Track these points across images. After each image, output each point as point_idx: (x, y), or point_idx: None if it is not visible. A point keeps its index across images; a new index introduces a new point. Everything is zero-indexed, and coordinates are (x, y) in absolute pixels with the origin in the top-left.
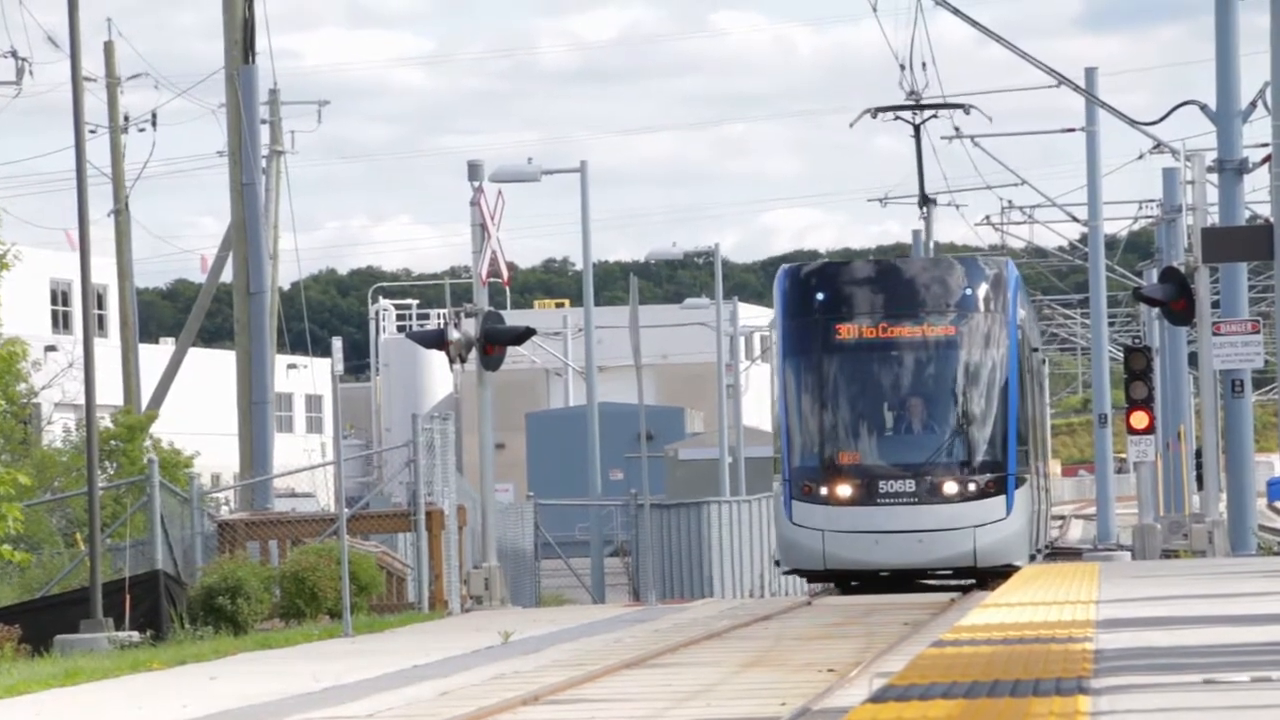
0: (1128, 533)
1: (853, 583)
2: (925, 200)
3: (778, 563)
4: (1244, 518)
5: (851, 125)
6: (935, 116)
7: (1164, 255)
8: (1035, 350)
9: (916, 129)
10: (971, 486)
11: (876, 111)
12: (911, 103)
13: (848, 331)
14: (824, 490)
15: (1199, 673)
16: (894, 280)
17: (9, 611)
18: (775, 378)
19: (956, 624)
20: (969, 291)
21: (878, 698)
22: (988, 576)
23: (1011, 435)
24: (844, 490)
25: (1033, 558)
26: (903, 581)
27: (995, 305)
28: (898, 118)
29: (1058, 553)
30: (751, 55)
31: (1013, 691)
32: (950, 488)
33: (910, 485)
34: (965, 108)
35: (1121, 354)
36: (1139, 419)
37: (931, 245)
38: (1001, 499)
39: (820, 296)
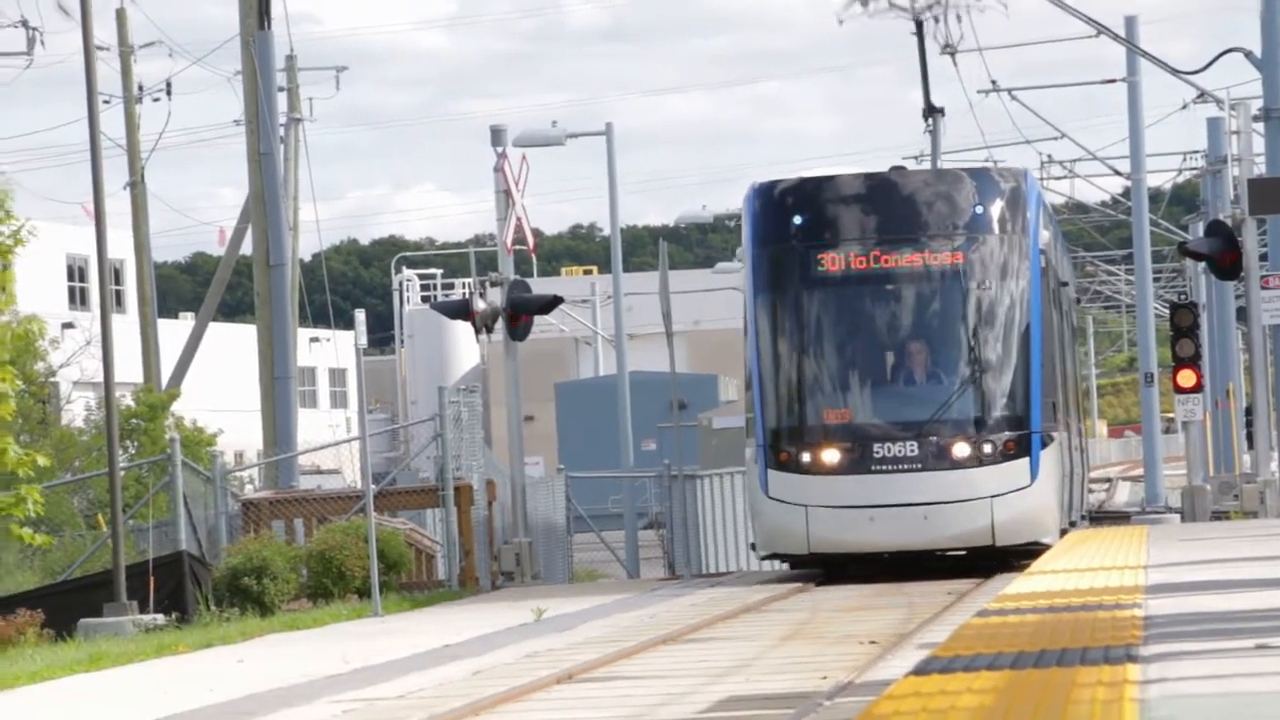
0: (1176, 495)
1: (847, 568)
2: (931, 110)
3: (754, 546)
4: None
5: (841, 22)
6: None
7: (1210, 208)
8: (1064, 284)
9: (919, 25)
10: (987, 448)
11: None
12: None
13: (832, 261)
14: (806, 457)
15: (1251, 637)
16: (888, 197)
17: (31, 596)
18: (746, 320)
19: (1001, 593)
20: (980, 209)
21: (921, 670)
22: (1010, 556)
23: (1035, 384)
24: (830, 456)
25: (1063, 532)
26: (906, 566)
27: (1013, 225)
28: (892, 5)
29: (1104, 516)
30: (784, 11)
31: (1059, 661)
32: (961, 450)
33: (912, 448)
34: None
35: (1167, 311)
36: (1186, 377)
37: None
38: (1024, 462)
39: (799, 219)
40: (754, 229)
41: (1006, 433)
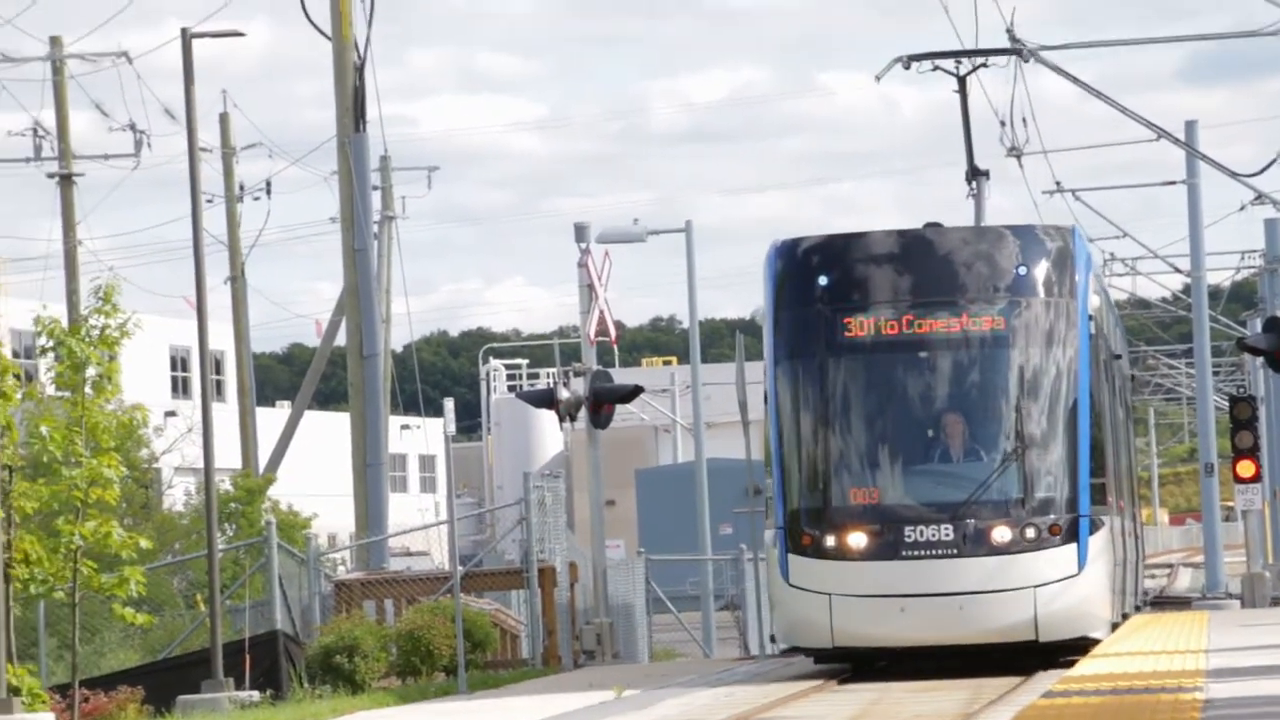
0: (1236, 581)
1: (879, 662)
2: (975, 172)
3: (773, 639)
4: None
5: (879, 79)
6: (985, 65)
7: (1268, 304)
8: (1118, 357)
9: (961, 81)
10: (1030, 532)
11: (910, 60)
12: (952, 49)
13: (861, 325)
14: (830, 540)
15: None
16: (923, 256)
17: (132, 673)
18: (765, 390)
19: (1066, 675)
20: (1023, 270)
21: None
22: (1056, 653)
23: (1083, 463)
24: (857, 540)
25: (1114, 626)
26: (943, 663)
27: (1059, 288)
28: (936, 67)
29: (1165, 601)
30: (857, 115)
31: None
32: (1001, 534)
33: (947, 532)
34: (1019, 52)
35: (1227, 403)
36: (1245, 467)
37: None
38: (1071, 549)
39: (824, 279)
40: (775, 291)
41: (1051, 516)
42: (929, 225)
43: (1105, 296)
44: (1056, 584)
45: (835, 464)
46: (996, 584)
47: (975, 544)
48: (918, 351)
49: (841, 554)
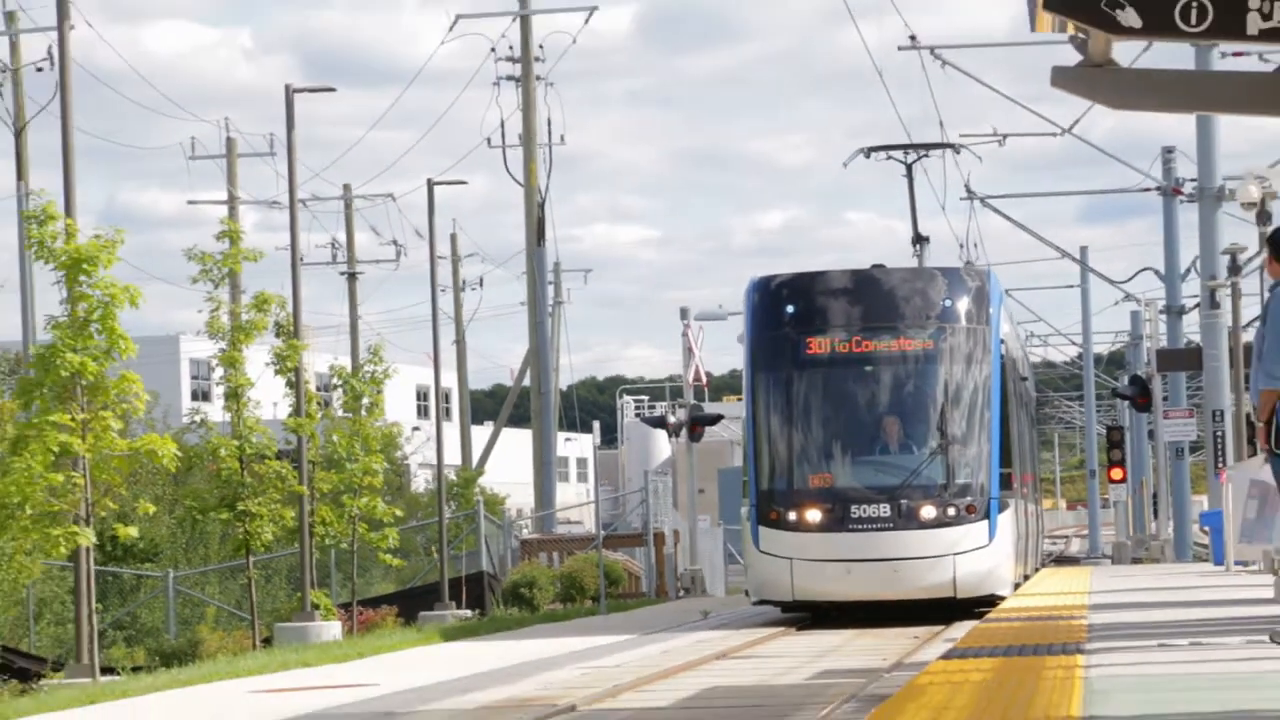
0: (1109, 546)
1: (833, 613)
2: (919, 239)
3: (747, 593)
4: (1184, 537)
5: (845, 165)
6: (926, 155)
7: (1132, 366)
8: (1024, 379)
9: (909, 168)
10: (950, 511)
11: (870, 151)
12: (903, 143)
13: (819, 345)
14: (792, 516)
15: (1155, 639)
16: (869, 291)
17: (390, 597)
18: (744, 396)
19: (999, 607)
20: (949, 303)
21: (947, 655)
22: (970, 606)
23: (994, 456)
24: (813, 515)
25: (1016, 586)
26: (880, 613)
27: (978, 318)
28: (889, 157)
29: (1063, 560)
30: (869, 239)
31: (1034, 652)
32: (928, 512)
33: (885, 510)
34: (955, 147)
35: (1105, 431)
36: (1116, 473)
37: None
38: (983, 524)
39: (791, 308)
40: (752, 317)
41: (968, 498)
42: (875, 266)
43: (1014, 328)
44: (971, 553)
45: (797, 455)
46: (924, 551)
47: (907, 519)
48: (864, 366)
49: (801, 526)
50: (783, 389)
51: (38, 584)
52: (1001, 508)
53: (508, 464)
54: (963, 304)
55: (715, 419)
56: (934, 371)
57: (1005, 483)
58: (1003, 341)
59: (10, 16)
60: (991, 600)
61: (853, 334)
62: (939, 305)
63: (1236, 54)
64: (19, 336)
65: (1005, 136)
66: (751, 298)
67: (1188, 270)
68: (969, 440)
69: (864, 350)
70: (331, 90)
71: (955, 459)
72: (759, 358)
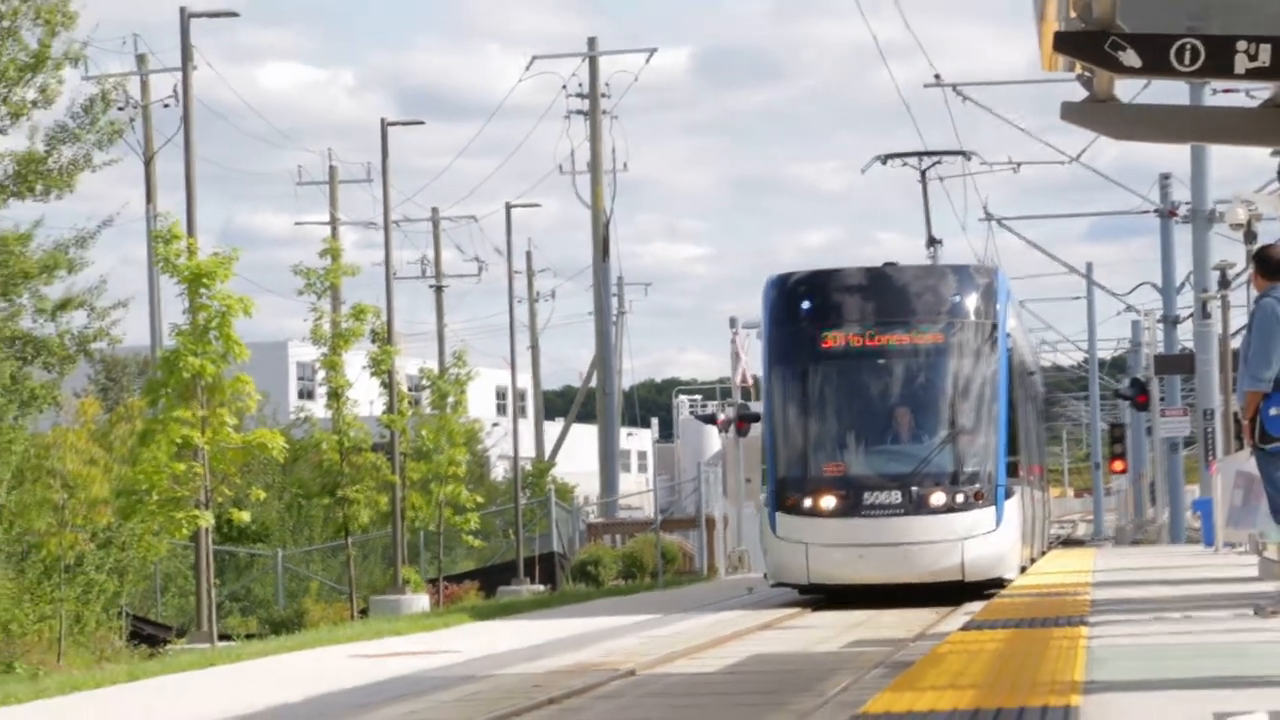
0: (1112, 530)
1: (847, 595)
2: (932, 241)
3: (765, 576)
4: (1179, 522)
5: (863, 171)
6: (939, 162)
7: (1132, 370)
8: (1032, 373)
9: (923, 174)
10: (959, 498)
11: (886, 158)
12: (917, 150)
13: (834, 339)
14: (808, 502)
15: (1151, 612)
16: (882, 287)
17: (472, 574)
18: (762, 388)
19: (1011, 584)
20: (958, 299)
21: (965, 627)
22: (979, 588)
23: (1001, 446)
24: (828, 502)
25: (1023, 569)
26: (892, 596)
27: (986, 313)
28: (905, 164)
29: (1070, 542)
30: (897, 257)
31: (1043, 624)
32: (937, 499)
33: (896, 497)
34: (966, 154)
35: (1108, 427)
36: (1118, 465)
37: None
38: (990, 511)
39: (807, 304)
40: (770, 312)
41: (976, 485)
42: (887, 264)
43: (1021, 321)
44: (979, 537)
45: (813, 444)
46: (933, 536)
47: (918, 506)
48: (877, 360)
49: (816, 512)
50: (799, 381)
51: (164, 561)
52: (1008, 495)
53: (576, 456)
54: (971, 300)
55: (759, 416)
56: (943, 364)
57: (1012, 471)
58: (1010, 336)
59: (141, 59)
60: (998, 583)
61: (866, 328)
62: (949, 301)
63: (1226, 90)
64: (148, 342)
65: (1020, 164)
66: (769, 294)
67: (1182, 284)
68: (977, 430)
69: (876, 344)
70: (421, 123)
71: (964, 448)
72: (776, 352)
